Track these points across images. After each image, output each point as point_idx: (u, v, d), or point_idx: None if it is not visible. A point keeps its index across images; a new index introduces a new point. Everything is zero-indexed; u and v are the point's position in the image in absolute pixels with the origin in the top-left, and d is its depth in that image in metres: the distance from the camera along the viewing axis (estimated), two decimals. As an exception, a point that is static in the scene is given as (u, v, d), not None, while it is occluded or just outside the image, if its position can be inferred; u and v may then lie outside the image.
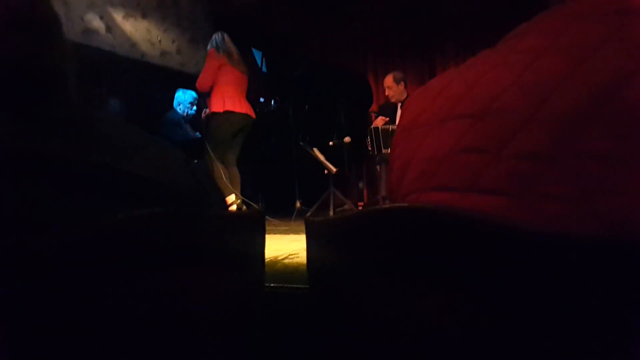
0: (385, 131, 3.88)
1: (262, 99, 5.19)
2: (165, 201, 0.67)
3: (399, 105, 4.22)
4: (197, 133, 4.49)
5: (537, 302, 0.38)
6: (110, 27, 4.25)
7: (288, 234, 2.92)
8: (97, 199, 0.60)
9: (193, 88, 4.09)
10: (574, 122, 0.43)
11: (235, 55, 3.70)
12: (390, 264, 0.47)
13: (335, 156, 4.35)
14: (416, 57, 5.56)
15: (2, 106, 0.62)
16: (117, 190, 0.63)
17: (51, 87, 0.69)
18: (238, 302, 0.72)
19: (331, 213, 4.11)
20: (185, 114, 4.50)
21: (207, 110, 3.74)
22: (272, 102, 5.07)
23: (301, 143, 4.34)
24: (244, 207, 3.85)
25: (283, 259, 1.91)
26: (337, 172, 4.21)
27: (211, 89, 3.64)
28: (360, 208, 4.78)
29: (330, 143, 4.43)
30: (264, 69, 5.65)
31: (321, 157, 4.23)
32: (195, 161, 3.87)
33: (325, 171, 4.23)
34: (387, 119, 4.19)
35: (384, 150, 3.87)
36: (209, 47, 3.71)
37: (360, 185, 5.64)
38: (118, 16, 4.34)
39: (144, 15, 4.63)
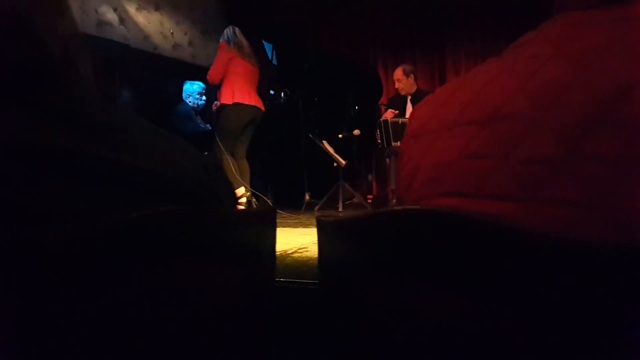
0: (394, 124, 3.87)
1: (272, 92, 5.20)
2: (177, 197, 0.68)
3: (409, 98, 4.21)
4: (208, 125, 4.51)
5: (546, 306, 0.39)
6: (124, 19, 4.27)
7: (297, 227, 2.94)
8: (108, 194, 0.61)
9: (204, 81, 4.11)
10: (581, 126, 0.43)
11: (246, 49, 3.73)
12: (401, 266, 0.48)
13: (345, 149, 4.36)
14: (426, 49, 5.52)
15: (12, 101, 0.62)
16: (129, 185, 0.63)
17: (60, 79, 0.69)
18: (249, 298, 0.74)
19: (340, 206, 4.12)
20: (195, 105, 4.52)
21: (218, 103, 3.77)
22: (282, 95, 5.07)
23: (310, 135, 4.35)
24: (254, 200, 3.88)
25: (292, 252, 1.93)
26: (346, 164, 4.22)
27: (221, 81, 3.67)
28: (369, 201, 4.80)
29: (340, 136, 4.44)
30: (275, 61, 5.65)
31: (330, 150, 4.24)
32: (206, 153, 3.90)
33: (335, 164, 4.24)
34: (397, 111, 4.18)
35: (393, 143, 3.86)
36: (220, 41, 3.74)
37: (370, 177, 5.64)
38: (131, 8, 4.36)
39: (157, 8, 4.65)
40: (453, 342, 0.45)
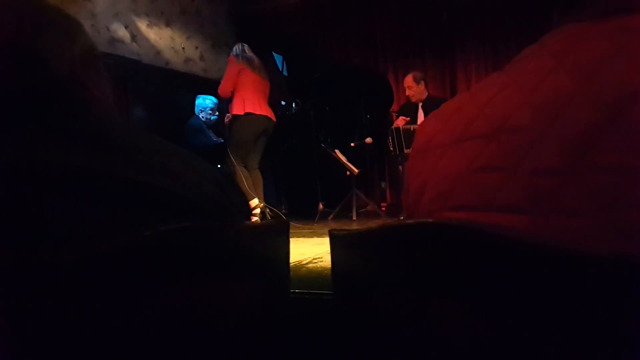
0: (406, 131, 3.87)
1: (283, 102, 5.23)
2: (191, 214, 0.69)
3: (420, 104, 4.21)
4: (220, 138, 4.55)
5: (557, 317, 0.39)
6: (135, 36, 4.35)
7: (311, 237, 2.94)
8: (122, 212, 0.62)
9: (215, 94, 4.16)
10: (586, 136, 0.43)
11: (255, 62, 3.79)
12: (414, 278, 0.48)
13: (357, 157, 4.36)
14: (436, 56, 5.51)
15: (22, 119, 0.64)
16: (142, 203, 0.64)
17: (70, 100, 0.70)
18: (264, 311, 0.74)
19: (354, 214, 4.12)
20: (207, 119, 4.56)
21: (230, 115, 3.81)
22: (294, 105, 5.10)
23: (323, 145, 4.36)
24: (268, 210, 3.89)
25: (307, 263, 1.93)
26: (359, 173, 4.22)
27: (232, 94, 3.72)
28: (383, 209, 4.78)
29: (352, 144, 4.45)
30: (285, 72, 5.70)
31: (343, 159, 4.25)
32: (219, 166, 3.93)
33: (348, 172, 4.24)
34: (408, 118, 4.18)
35: (405, 151, 3.86)
36: (229, 56, 3.81)
37: (383, 185, 5.63)
38: (142, 25, 4.44)
39: (168, 24, 4.73)
40: (465, 352, 0.45)
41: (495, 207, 0.47)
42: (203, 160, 0.78)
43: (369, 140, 4.35)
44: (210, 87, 4.48)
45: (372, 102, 4.74)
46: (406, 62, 5.58)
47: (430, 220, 0.47)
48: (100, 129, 0.68)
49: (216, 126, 4.61)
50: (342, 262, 0.62)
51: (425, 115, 4.11)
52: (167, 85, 4.61)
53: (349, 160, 4.25)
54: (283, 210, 4.67)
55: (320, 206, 4.39)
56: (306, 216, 4.37)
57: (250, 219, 3.72)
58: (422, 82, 4.17)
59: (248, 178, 3.75)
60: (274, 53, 5.56)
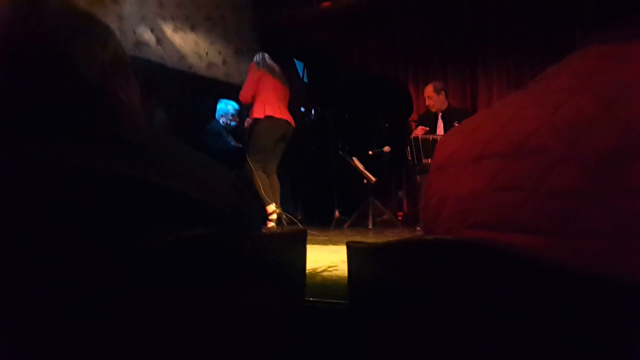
0: (425, 141, 3.85)
1: (302, 109, 5.26)
2: (211, 220, 0.69)
3: (440, 114, 4.19)
4: (239, 144, 4.58)
5: (572, 340, 0.39)
6: (161, 39, 4.42)
7: (327, 244, 2.94)
8: (143, 217, 0.63)
9: (236, 99, 4.21)
10: (609, 159, 0.43)
11: (276, 69, 3.87)
12: (430, 294, 0.49)
13: (375, 165, 4.36)
14: (457, 66, 5.48)
15: (51, 123, 0.65)
16: (164, 208, 0.65)
17: (98, 106, 0.72)
18: (279, 319, 0.75)
19: (370, 223, 4.11)
20: (227, 124, 4.60)
21: (250, 120, 3.85)
22: (313, 112, 5.12)
23: (341, 152, 4.37)
24: (284, 216, 3.91)
25: (322, 271, 1.92)
26: (376, 181, 4.21)
27: (253, 99, 3.77)
28: (399, 218, 4.76)
29: (370, 152, 4.44)
30: (306, 79, 5.73)
31: (360, 167, 4.24)
32: (236, 170, 3.97)
33: (365, 181, 4.24)
34: (427, 128, 4.16)
35: (424, 160, 3.84)
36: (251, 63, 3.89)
37: (400, 194, 5.60)
38: (168, 29, 4.51)
39: (193, 29, 4.80)
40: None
41: (514, 226, 0.47)
42: (224, 167, 0.78)
43: (387, 149, 4.34)
44: (231, 92, 4.53)
45: (391, 110, 4.74)
46: (427, 71, 5.56)
47: (449, 237, 0.47)
48: (126, 135, 0.69)
49: (235, 131, 4.66)
50: (358, 274, 0.62)
51: (445, 125, 4.09)
52: (189, 89, 4.67)
53: (366, 169, 4.25)
54: (299, 217, 4.68)
55: (337, 214, 4.39)
56: (322, 223, 4.37)
57: (266, 224, 3.74)
58: (443, 93, 4.15)
59: (266, 183, 3.78)
60: (295, 60, 5.60)
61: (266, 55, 3.91)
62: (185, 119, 4.48)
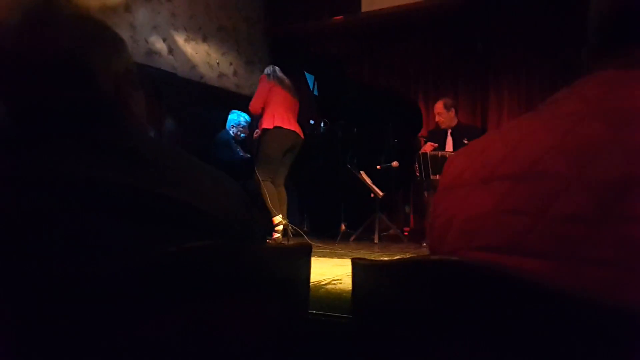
0: (434, 157, 3.84)
1: (312, 121, 5.28)
2: (218, 233, 0.69)
3: (449, 131, 4.18)
4: (247, 154, 4.60)
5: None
6: (173, 49, 4.48)
7: (332, 257, 2.93)
8: (152, 229, 0.63)
9: (245, 110, 4.24)
10: (618, 185, 0.43)
11: (286, 82, 3.91)
12: (434, 313, 0.48)
13: (383, 180, 4.35)
14: (469, 82, 5.48)
15: (59, 134, 0.66)
16: (173, 220, 0.65)
17: (111, 116, 0.72)
18: (282, 331, 0.74)
19: (376, 237, 4.09)
20: (236, 135, 4.62)
21: (259, 130, 3.88)
22: (322, 125, 5.14)
23: (349, 166, 4.37)
24: (290, 227, 3.90)
25: (326, 284, 1.92)
26: (383, 196, 4.20)
27: (263, 110, 3.80)
28: (406, 233, 4.74)
29: (378, 167, 4.44)
30: (315, 92, 5.76)
31: (368, 181, 4.24)
32: (241, 182, 3.98)
33: (372, 195, 4.23)
34: (436, 145, 4.16)
35: (432, 176, 3.83)
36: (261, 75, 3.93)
37: (407, 210, 5.58)
38: (180, 39, 4.56)
39: (205, 39, 4.85)
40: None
41: (520, 250, 0.47)
42: (232, 180, 0.79)
43: (395, 164, 4.34)
44: (241, 103, 4.56)
45: (400, 125, 4.74)
46: (437, 87, 5.57)
47: (455, 258, 0.46)
48: (137, 146, 0.70)
49: (244, 142, 4.68)
50: (363, 290, 0.62)
51: (454, 142, 4.08)
52: (199, 98, 4.71)
53: (374, 183, 4.24)
54: (305, 229, 4.68)
55: (343, 227, 4.38)
56: (328, 236, 4.36)
57: (272, 235, 3.74)
58: (453, 109, 4.15)
59: (273, 194, 3.79)
60: (305, 72, 5.64)
61: (277, 68, 3.96)
62: (194, 128, 4.51)
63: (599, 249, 0.43)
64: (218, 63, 5.01)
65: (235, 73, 5.25)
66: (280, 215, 3.77)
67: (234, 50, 5.23)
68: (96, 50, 0.72)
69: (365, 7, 5.31)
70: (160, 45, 4.37)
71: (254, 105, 3.84)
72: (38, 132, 0.66)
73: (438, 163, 3.79)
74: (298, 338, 0.79)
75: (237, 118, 4.61)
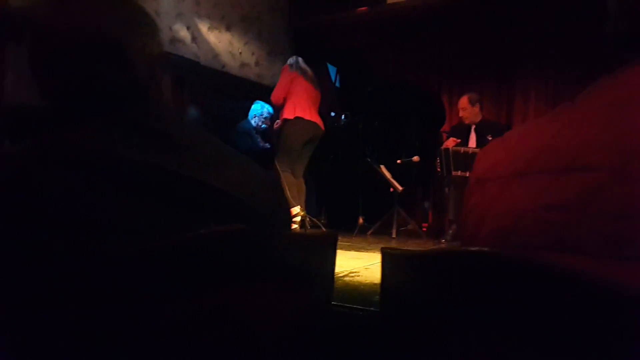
0: (456, 153, 3.79)
1: (333, 114, 5.25)
2: (245, 217, 0.69)
3: (473, 127, 4.11)
4: (267, 144, 4.60)
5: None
6: (196, 37, 4.48)
7: (349, 250, 2.92)
8: (182, 212, 0.63)
9: (267, 100, 4.24)
10: None
11: (308, 73, 3.90)
12: (469, 307, 0.46)
13: (403, 175, 4.32)
14: (494, 78, 5.38)
15: (96, 114, 0.66)
16: (199, 203, 0.65)
17: (144, 99, 0.73)
18: (306, 320, 0.74)
19: (394, 232, 4.07)
20: (257, 125, 4.62)
21: (279, 121, 3.87)
22: (343, 117, 5.11)
23: (368, 159, 4.34)
24: (308, 219, 3.90)
25: (344, 276, 1.91)
26: (402, 190, 4.17)
27: (284, 100, 3.79)
28: (424, 229, 4.70)
29: (398, 161, 4.40)
30: (337, 84, 5.73)
31: (388, 175, 4.21)
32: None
33: (391, 189, 4.20)
34: (459, 140, 4.09)
35: (453, 172, 3.78)
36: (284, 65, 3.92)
37: (426, 205, 5.53)
38: (204, 27, 4.57)
39: (228, 28, 4.85)
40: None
41: (562, 248, 0.44)
42: (260, 167, 0.78)
43: (416, 158, 4.29)
44: (263, 93, 4.56)
45: (423, 120, 4.70)
46: (462, 82, 5.48)
47: (497, 250, 0.44)
48: (165, 127, 0.70)
49: (265, 133, 4.68)
50: (393, 280, 0.60)
51: (478, 138, 4.01)
52: (221, 87, 4.72)
53: (393, 177, 4.21)
54: (322, 220, 4.67)
55: (360, 220, 4.37)
56: (345, 229, 4.34)
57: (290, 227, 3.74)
58: (478, 105, 4.07)
59: (293, 185, 3.78)
60: (328, 64, 5.61)
61: (300, 58, 3.94)
62: (215, 117, 4.52)
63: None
64: (240, 52, 5.00)
65: (257, 63, 5.24)
66: (299, 207, 3.77)
67: (256, 40, 5.22)
68: (134, 33, 0.73)
69: (391, -2, 5.24)
70: (184, 33, 4.38)
71: (276, 95, 3.83)
72: (72, 112, 0.66)
73: (460, 159, 3.73)
74: (321, 328, 0.78)
75: (260, 109, 4.61)
